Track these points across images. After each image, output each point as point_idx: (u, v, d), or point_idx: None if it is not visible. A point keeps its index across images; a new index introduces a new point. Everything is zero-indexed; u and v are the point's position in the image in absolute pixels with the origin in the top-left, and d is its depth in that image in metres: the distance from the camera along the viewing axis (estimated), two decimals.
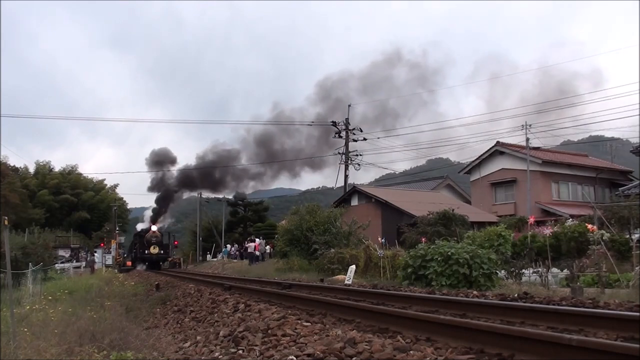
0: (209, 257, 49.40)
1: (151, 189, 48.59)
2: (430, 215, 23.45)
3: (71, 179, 61.50)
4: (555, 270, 14.21)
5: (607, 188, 36.28)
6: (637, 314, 5.13)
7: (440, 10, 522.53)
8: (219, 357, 5.64)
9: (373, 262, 17.27)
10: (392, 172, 51.36)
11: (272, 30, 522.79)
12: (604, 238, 14.58)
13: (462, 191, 43.08)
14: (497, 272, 12.57)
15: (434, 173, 49.18)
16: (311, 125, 39.66)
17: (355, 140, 37.50)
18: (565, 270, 13.69)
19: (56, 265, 25.97)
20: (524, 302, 7.21)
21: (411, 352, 4.33)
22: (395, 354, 4.27)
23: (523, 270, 13.70)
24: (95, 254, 42.49)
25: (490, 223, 23.91)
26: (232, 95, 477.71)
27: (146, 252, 39.88)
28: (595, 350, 3.46)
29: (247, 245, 38.40)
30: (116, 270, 33.20)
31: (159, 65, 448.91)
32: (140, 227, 46.70)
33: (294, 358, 4.67)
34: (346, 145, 36.99)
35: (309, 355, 4.64)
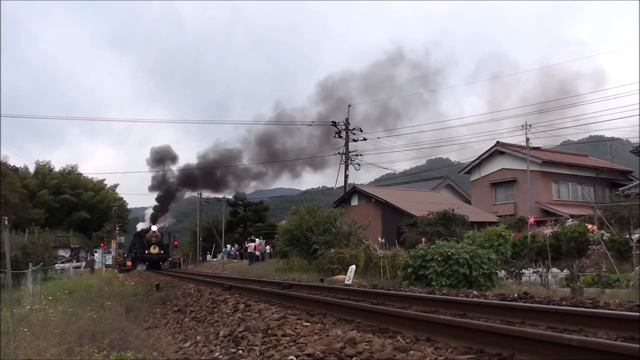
0: (209, 257, 49.40)
1: (152, 187, 48.74)
2: (430, 215, 23.45)
3: (71, 179, 61.55)
4: (555, 270, 14.21)
5: (607, 188, 36.27)
6: (637, 314, 5.12)
7: (441, 10, 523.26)
8: (219, 357, 5.64)
9: (373, 262, 17.27)
10: (392, 172, 51.51)
11: (272, 30, 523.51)
12: (604, 238, 14.57)
13: (462, 191, 43.08)
14: (497, 272, 12.57)
15: (434, 173, 49.23)
16: (311, 125, 39.73)
17: (356, 140, 37.52)
18: (565, 270, 13.69)
19: (56, 265, 25.96)
20: (524, 302, 7.20)
21: (411, 352, 4.32)
22: (395, 354, 4.27)
23: (523, 270, 13.70)
24: (95, 254, 42.45)
25: (490, 223, 23.91)
26: (232, 95, 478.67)
27: (146, 252, 39.89)
28: (595, 350, 3.46)
29: (247, 245, 38.44)
30: (116, 270, 33.19)
31: (159, 65, 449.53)
32: (140, 227, 46.78)
33: (294, 358, 4.66)
34: (346, 145, 36.99)
35: (309, 355, 4.63)
